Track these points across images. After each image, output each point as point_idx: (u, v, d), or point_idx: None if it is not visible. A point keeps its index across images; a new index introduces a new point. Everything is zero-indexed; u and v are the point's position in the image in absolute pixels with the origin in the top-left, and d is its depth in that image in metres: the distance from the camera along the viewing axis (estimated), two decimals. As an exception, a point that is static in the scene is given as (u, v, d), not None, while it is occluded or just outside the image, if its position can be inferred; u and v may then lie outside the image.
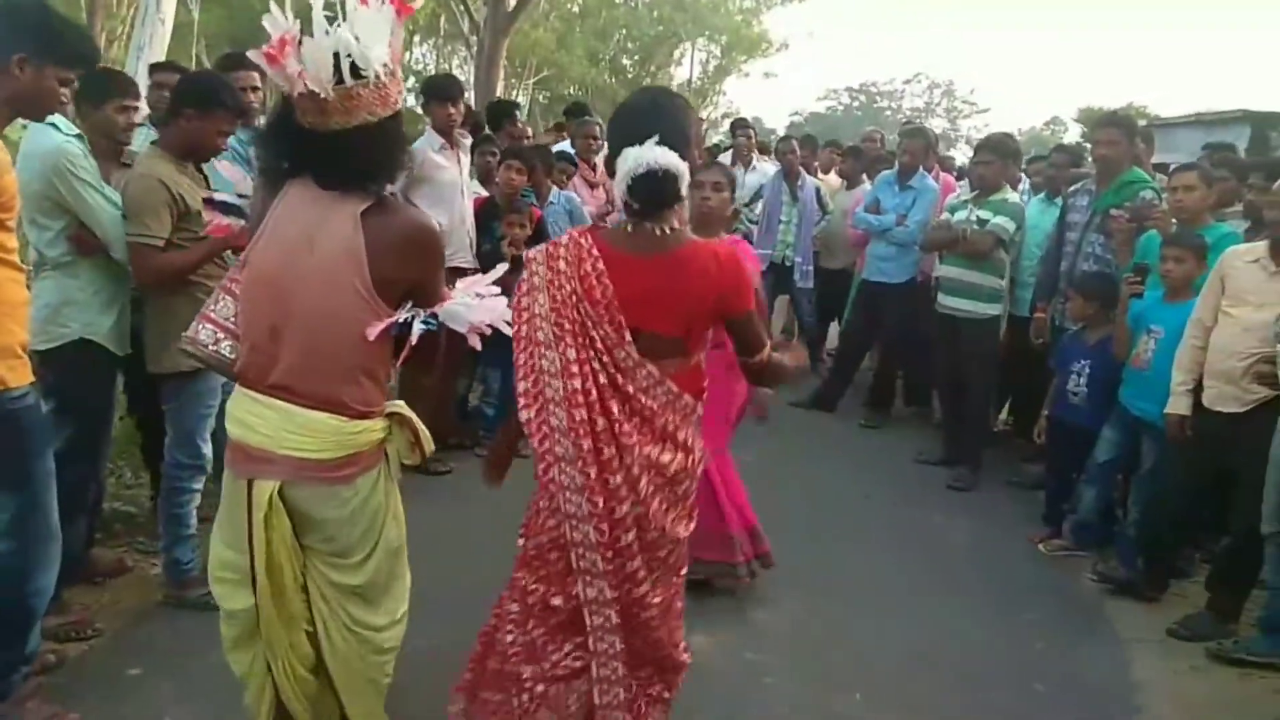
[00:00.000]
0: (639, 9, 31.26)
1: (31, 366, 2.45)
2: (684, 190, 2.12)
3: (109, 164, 3.27)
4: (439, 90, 5.00)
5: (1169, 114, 16.74)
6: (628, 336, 2.10)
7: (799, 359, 2.50)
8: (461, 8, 19.54)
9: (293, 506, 2.13)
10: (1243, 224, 4.38)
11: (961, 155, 11.42)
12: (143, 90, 4.24)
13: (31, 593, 2.51)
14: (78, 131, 3.09)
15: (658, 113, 2.14)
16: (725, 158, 8.33)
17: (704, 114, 29.54)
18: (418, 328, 2.11)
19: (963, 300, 5.22)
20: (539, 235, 5.07)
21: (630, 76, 31.88)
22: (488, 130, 6.39)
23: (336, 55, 1.95)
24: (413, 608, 2.44)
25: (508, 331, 2.23)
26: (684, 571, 2.37)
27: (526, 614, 2.27)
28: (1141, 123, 7.27)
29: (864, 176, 7.33)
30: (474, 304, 2.22)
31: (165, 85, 4.13)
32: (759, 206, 7.42)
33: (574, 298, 2.10)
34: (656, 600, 2.24)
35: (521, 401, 2.15)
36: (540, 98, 29.41)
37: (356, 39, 1.95)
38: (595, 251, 2.13)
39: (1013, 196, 5.38)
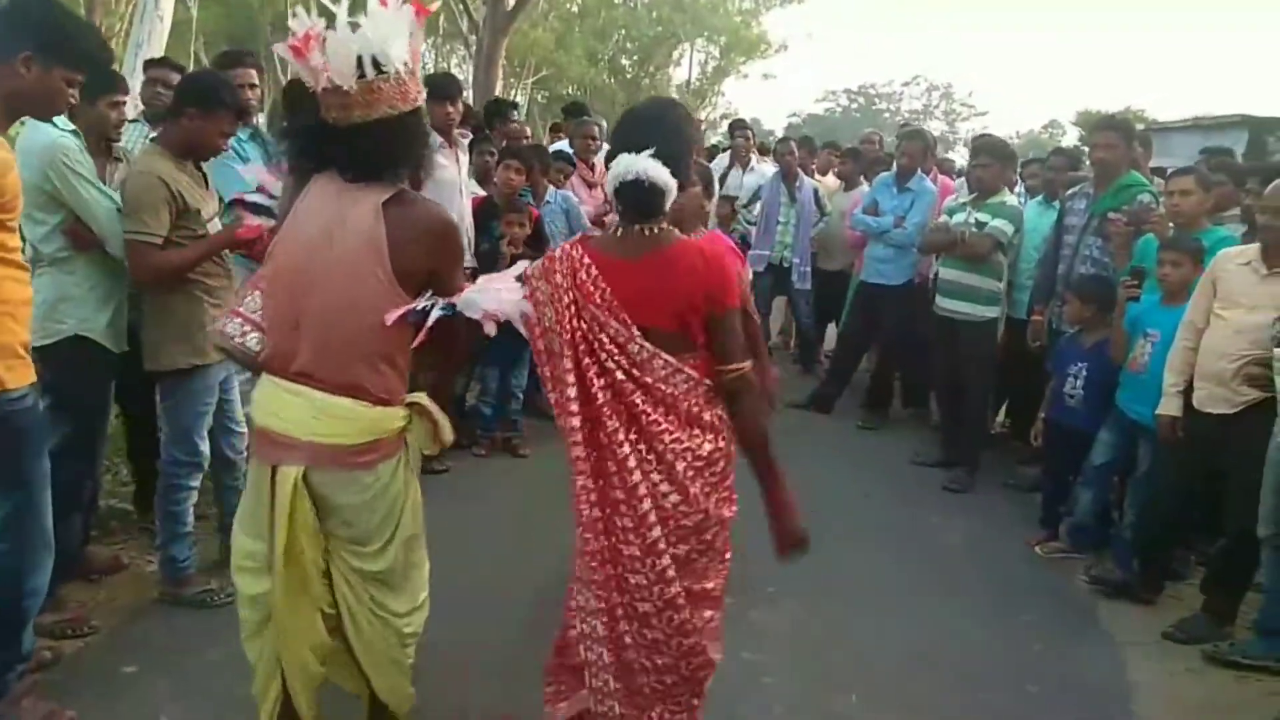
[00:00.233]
0: (638, 9, 31.30)
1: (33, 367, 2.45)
2: (668, 205, 2.16)
3: (101, 159, 3.28)
4: (437, 89, 4.98)
5: (1167, 118, 16.76)
6: (635, 332, 2.15)
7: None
8: (460, 7, 19.54)
9: (315, 492, 2.18)
10: (1240, 228, 4.39)
11: (960, 158, 11.43)
12: (135, 86, 4.24)
13: (26, 593, 2.51)
14: (73, 128, 3.08)
15: (658, 125, 2.20)
16: (723, 158, 8.35)
17: (703, 115, 29.58)
18: (434, 314, 2.16)
19: (961, 303, 5.22)
20: (537, 235, 5.08)
21: (629, 77, 31.94)
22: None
23: (359, 51, 2.03)
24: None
25: (521, 330, 2.28)
26: (729, 557, 2.39)
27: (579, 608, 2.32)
28: (1139, 127, 7.27)
29: (862, 178, 7.34)
30: (490, 291, 2.26)
31: (159, 81, 4.12)
32: (757, 208, 7.43)
33: (574, 307, 2.17)
34: (707, 586, 2.29)
35: (555, 411, 2.24)
36: (539, 97, 29.45)
37: (378, 36, 2.03)
38: (587, 260, 2.19)
39: (1011, 199, 5.39)
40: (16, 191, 2.32)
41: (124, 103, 3.46)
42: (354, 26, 2.05)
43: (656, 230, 2.19)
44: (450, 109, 4.81)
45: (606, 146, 6.84)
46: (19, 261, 2.40)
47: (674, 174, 2.13)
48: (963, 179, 6.96)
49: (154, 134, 3.47)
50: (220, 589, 3.41)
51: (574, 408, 2.16)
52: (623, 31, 31.08)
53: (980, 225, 5.14)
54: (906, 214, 6.04)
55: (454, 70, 25.96)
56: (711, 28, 31.24)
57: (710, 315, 2.19)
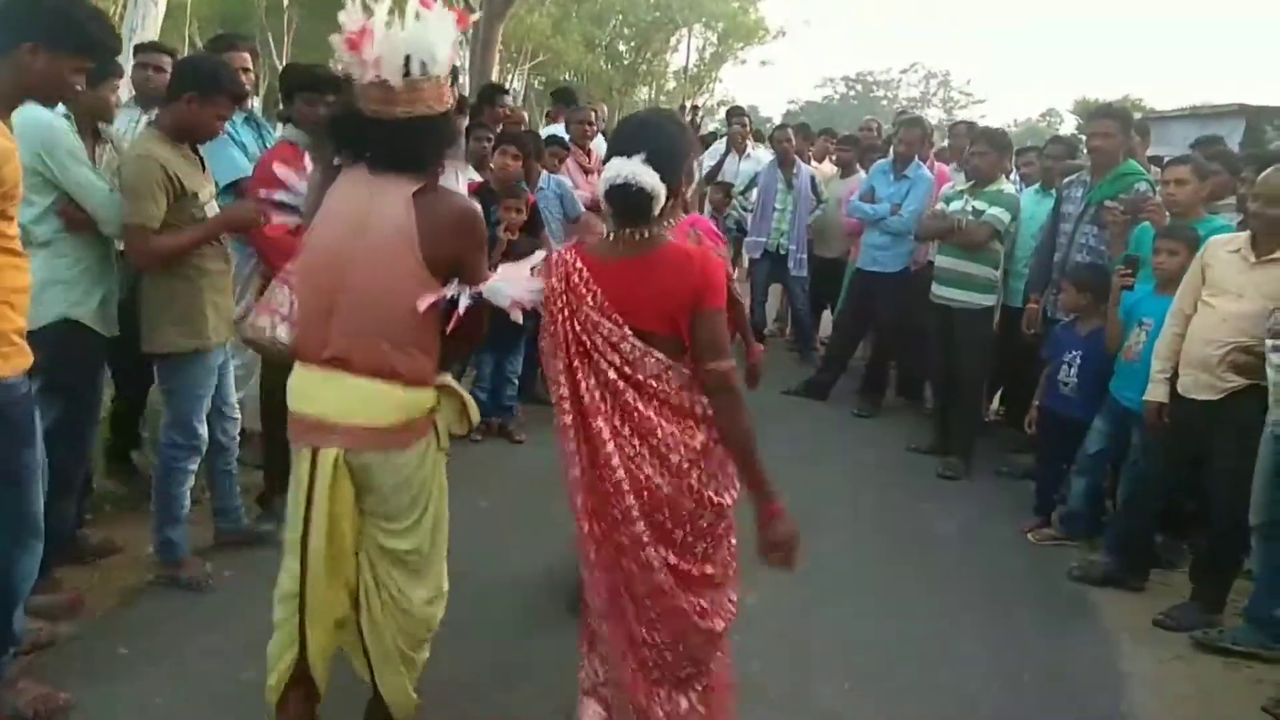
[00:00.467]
0: (636, -5, 31.15)
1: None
2: (657, 207, 2.18)
3: (89, 141, 3.28)
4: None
5: (1165, 107, 16.75)
6: (628, 331, 2.20)
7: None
8: (458, -9, 19.42)
9: (355, 473, 2.27)
10: (1236, 217, 4.39)
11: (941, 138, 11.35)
12: (127, 70, 4.21)
13: (15, 579, 2.51)
14: (64, 111, 3.07)
15: (650, 131, 2.24)
16: (720, 145, 8.34)
17: (700, 101, 29.46)
18: (464, 302, 2.25)
19: (957, 290, 5.23)
20: (533, 221, 5.07)
21: (626, 63, 31.81)
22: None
23: (409, 51, 2.14)
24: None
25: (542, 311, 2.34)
26: (734, 542, 2.43)
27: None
28: (1137, 115, 7.25)
29: (858, 165, 7.32)
30: (516, 280, 2.34)
31: (150, 65, 4.11)
32: (754, 194, 7.42)
33: (567, 310, 2.23)
34: (709, 571, 2.34)
35: (554, 404, 2.29)
36: (536, 83, 29.33)
37: (428, 40, 2.16)
38: (580, 264, 2.24)
39: (1008, 188, 5.39)
40: (17, 180, 2.33)
41: (119, 87, 3.46)
42: (398, 25, 2.14)
43: (647, 234, 2.22)
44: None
45: (601, 138, 6.89)
46: (17, 249, 2.39)
47: (664, 179, 2.16)
48: (952, 165, 6.93)
49: (150, 117, 3.46)
50: (216, 572, 3.42)
51: (566, 405, 2.24)
52: (620, 17, 30.95)
53: (977, 213, 5.14)
54: (903, 201, 6.03)
55: (450, 55, 25.81)
56: (709, 13, 31.11)
57: (694, 313, 2.21)
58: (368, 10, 2.17)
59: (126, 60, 4.42)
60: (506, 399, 5.35)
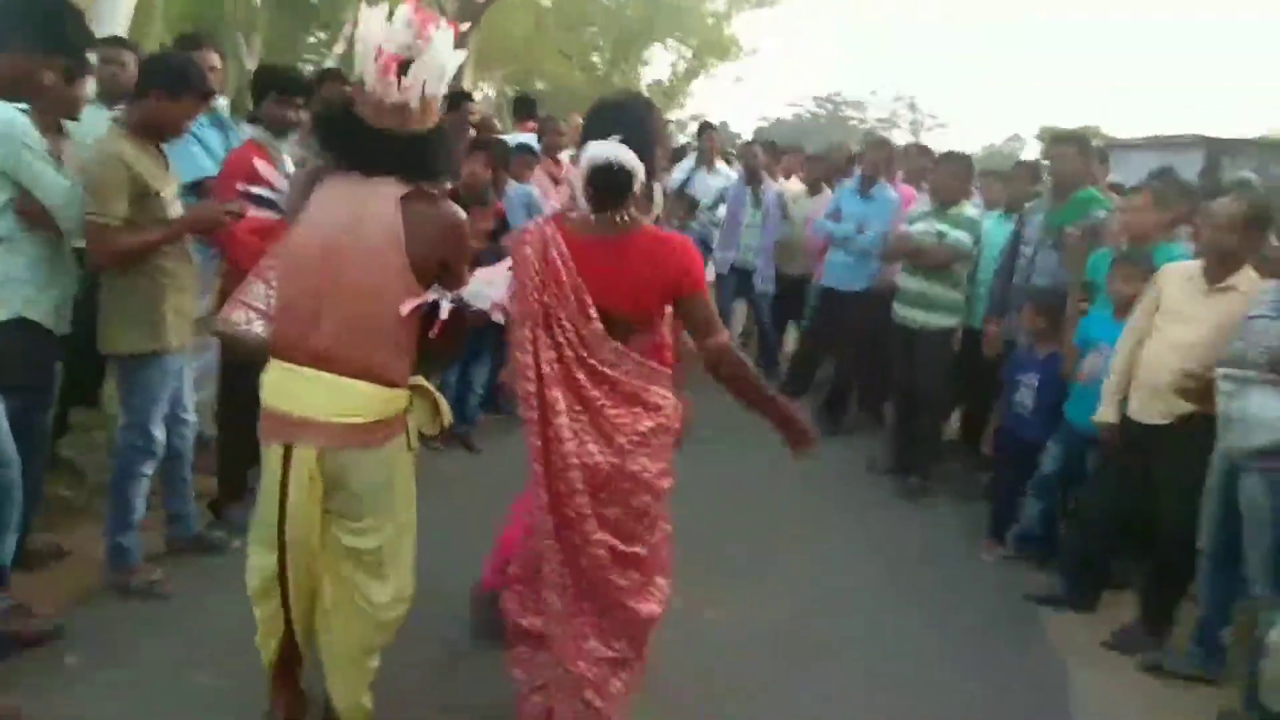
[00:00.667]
0: (611, 6, 31.22)
1: None
2: (638, 185, 2.29)
3: (53, 136, 3.23)
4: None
5: (1126, 136, 17.08)
6: (593, 314, 2.30)
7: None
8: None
9: (329, 470, 2.31)
10: (1192, 246, 4.47)
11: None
12: (91, 67, 4.16)
13: None
14: (23, 106, 3.02)
15: (623, 113, 2.37)
16: (691, 159, 8.37)
17: (673, 115, 29.60)
18: (445, 306, 2.33)
19: (919, 311, 5.28)
20: (501, 229, 5.05)
21: (600, 74, 31.83)
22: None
23: (426, 75, 2.26)
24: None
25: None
26: (665, 528, 2.57)
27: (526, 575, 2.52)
28: (1097, 143, 7.38)
29: (824, 185, 7.37)
30: (495, 282, 2.46)
31: (113, 61, 4.06)
32: (721, 210, 7.45)
33: (538, 279, 2.30)
34: (637, 551, 2.43)
35: (504, 375, 2.40)
36: (509, 91, 29.25)
37: (441, 62, 2.29)
38: (559, 238, 2.32)
39: (971, 211, 5.45)
40: None
41: (89, 84, 3.44)
42: (428, 56, 2.26)
43: (625, 218, 2.33)
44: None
45: (572, 149, 6.89)
46: None
47: (641, 158, 2.26)
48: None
49: (115, 114, 3.42)
50: (167, 579, 3.36)
51: (530, 374, 2.31)
52: (594, 29, 31.00)
53: (940, 235, 5.20)
54: (868, 221, 6.08)
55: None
56: (684, 29, 31.25)
57: (680, 299, 2.37)
58: (378, 29, 2.26)
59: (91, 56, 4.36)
60: (470, 409, 5.32)
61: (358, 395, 2.28)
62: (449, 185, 5.10)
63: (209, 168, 4.00)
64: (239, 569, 3.32)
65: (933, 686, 3.35)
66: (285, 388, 2.32)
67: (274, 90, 3.84)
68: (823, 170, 7.56)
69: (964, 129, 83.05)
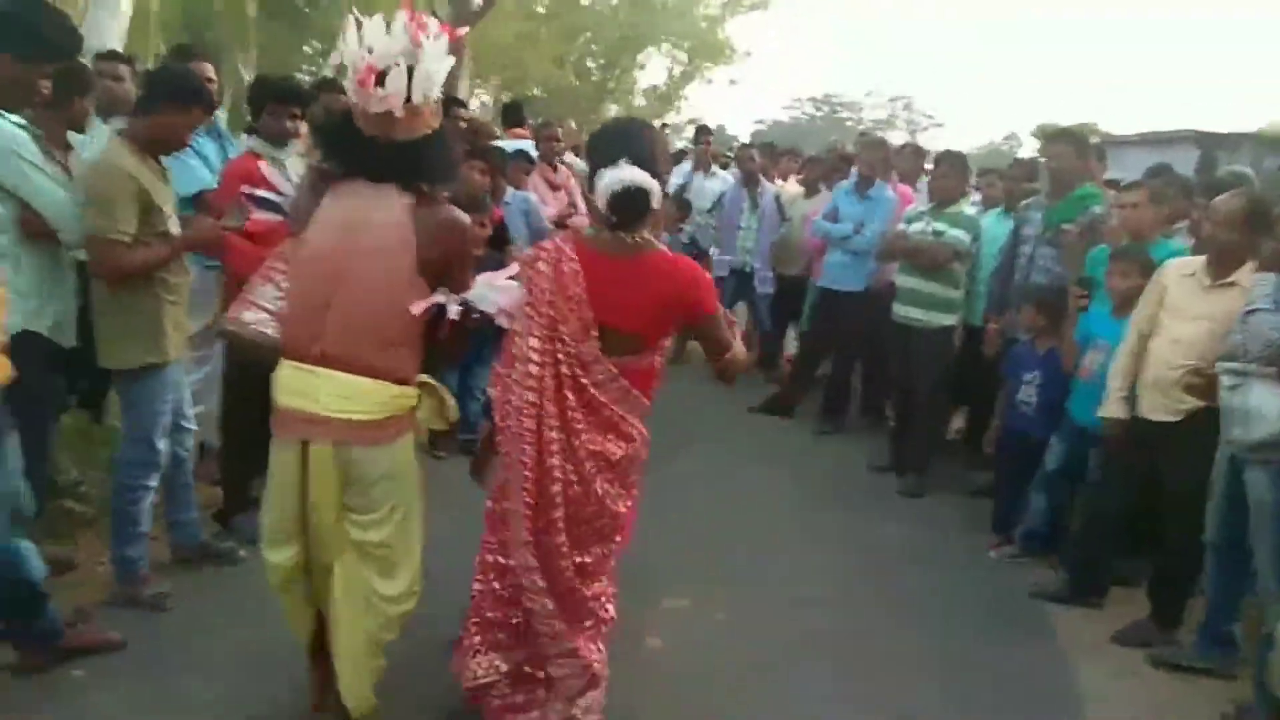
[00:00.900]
0: (604, 11, 31.26)
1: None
2: (655, 203, 2.39)
3: (63, 152, 3.29)
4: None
5: (1122, 132, 17.10)
6: (593, 333, 2.39)
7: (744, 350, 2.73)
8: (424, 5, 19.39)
9: (341, 465, 2.39)
10: (1190, 241, 4.49)
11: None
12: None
13: None
14: (21, 121, 3.04)
15: (626, 136, 2.45)
16: (687, 163, 8.38)
17: (669, 119, 29.61)
18: (453, 309, 2.41)
19: (917, 310, 5.29)
20: (500, 235, 5.06)
21: (595, 80, 31.90)
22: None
23: (410, 78, 2.31)
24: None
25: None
26: (619, 540, 2.67)
27: (489, 567, 2.62)
28: (1093, 139, 7.39)
29: (822, 185, 7.38)
30: (499, 287, 2.51)
31: (109, 75, 4.09)
32: (719, 213, 7.46)
33: (548, 294, 2.39)
34: (586, 560, 2.56)
35: (491, 379, 2.51)
36: (503, 97, 29.29)
37: (429, 70, 2.33)
38: (573, 254, 2.42)
39: (969, 209, 5.47)
40: None
41: (94, 100, 3.53)
42: (402, 66, 2.30)
43: (640, 239, 2.43)
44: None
45: (569, 155, 6.90)
46: None
47: (651, 176, 2.37)
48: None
49: (119, 127, 3.43)
50: (174, 591, 3.36)
51: (532, 384, 2.38)
52: (589, 34, 31.04)
53: (938, 234, 5.21)
54: (866, 221, 6.09)
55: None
56: (677, 32, 31.29)
57: (696, 325, 2.52)
58: (363, 40, 2.32)
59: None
60: (472, 415, 5.32)
61: (368, 393, 2.36)
62: (447, 193, 5.18)
63: (208, 179, 4.01)
64: (245, 581, 3.36)
65: (940, 684, 3.35)
66: (298, 386, 2.39)
67: (271, 101, 3.86)
68: (820, 171, 7.56)
69: (960, 128, 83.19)
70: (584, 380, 2.41)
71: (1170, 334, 3.60)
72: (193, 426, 3.58)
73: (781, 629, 3.62)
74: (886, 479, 5.45)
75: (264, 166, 3.34)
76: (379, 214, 2.37)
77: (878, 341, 5.87)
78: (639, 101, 33.73)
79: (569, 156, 7.30)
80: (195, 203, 3.83)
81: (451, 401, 2.60)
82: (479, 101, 26.27)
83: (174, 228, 3.24)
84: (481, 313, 2.49)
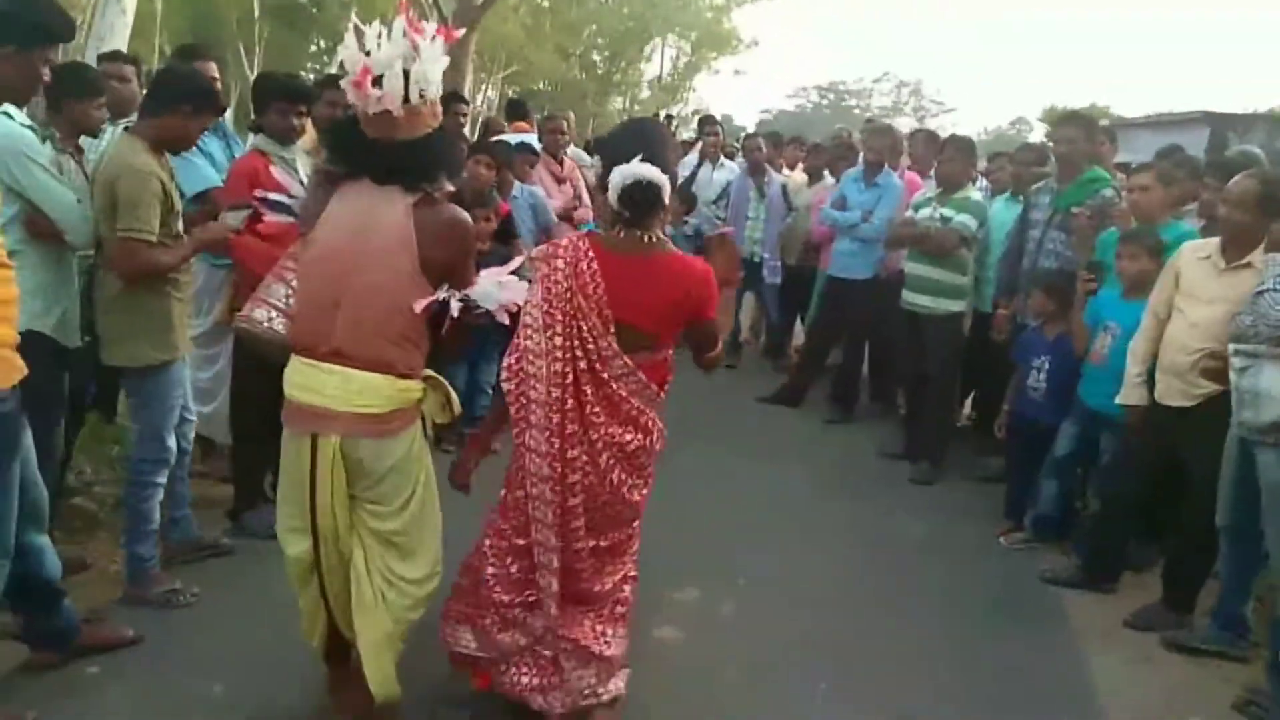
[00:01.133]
0: (609, 4, 31.22)
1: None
2: (666, 198, 2.48)
3: (76, 155, 3.34)
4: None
5: (1131, 114, 16.99)
6: (611, 329, 2.46)
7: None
8: (430, 0, 19.38)
9: (350, 457, 2.45)
10: (1199, 222, 4.45)
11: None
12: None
13: None
14: (29, 123, 3.05)
15: (642, 137, 2.55)
16: (693, 156, 8.35)
17: (674, 110, 29.58)
18: (455, 305, 2.46)
19: (926, 297, 5.27)
20: (506, 230, 5.06)
21: (600, 73, 31.86)
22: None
23: (406, 79, 2.36)
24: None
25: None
26: (636, 524, 2.76)
27: (503, 552, 2.67)
28: (1103, 122, 7.34)
29: (825, 172, 7.35)
30: (502, 283, 2.57)
31: (114, 76, 4.10)
32: (726, 204, 7.44)
33: (568, 293, 2.46)
34: (603, 544, 2.64)
35: (505, 375, 2.53)
36: (510, 92, 29.30)
37: (425, 69, 2.37)
38: (591, 253, 2.49)
39: (975, 195, 5.44)
40: None
41: (104, 104, 3.54)
42: (398, 65, 2.35)
43: (654, 238, 2.52)
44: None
45: (574, 148, 6.89)
46: (3, 260, 2.40)
47: (663, 171, 2.45)
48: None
49: (121, 128, 3.45)
50: (185, 589, 3.38)
51: (556, 380, 2.45)
52: (594, 26, 31.00)
53: (945, 220, 5.18)
54: (874, 209, 6.07)
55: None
56: (682, 23, 31.23)
57: (695, 323, 2.61)
58: (360, 33, 2.38)
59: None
60: (479, 409, 5.32)
61: (374, 387, 2.42)
62: (452, 188, 5.18)
63: (214, 178, 4.02)
64: (257, 578, 3.38)
65: (953, 669, 3.35)
66: (306, 381, 2.45)
67: (277, 99, 3.85)
68: (823, 159, 7.54)
69: (969, 113, 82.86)
70: (604, 374, 2.48)
71: (1187, 318, 3.57)
72: (192, 418, 3.60)
73: (791, 619, 3.62)
74: (896, 467, 5.44)
75: (275, 170, 3.41)
76: (383, 215, 2.43)
77: (886, 329, 5.85)
78: (644, 93, 33.71)
79: (573, 149, 7.30)
80: (201, 201, 3.84)
81: (455, 396, 2.64)
82: (484, 97, 26.27)
83: (179, 227, 3.26)
84: (484, 309, 2.54)
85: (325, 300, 2.44)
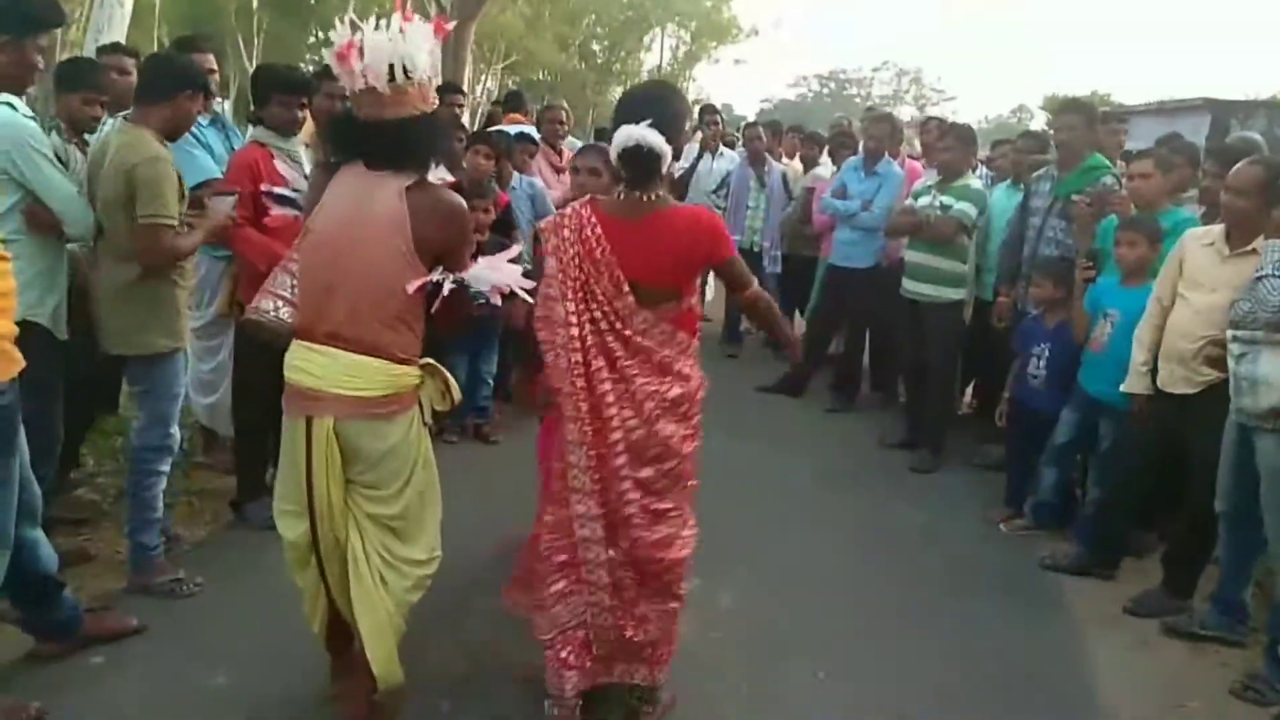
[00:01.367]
0: (608, -7, 31.11)
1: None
2: (664, 166, 2.51)
3: (79, 148, 3.40)
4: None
5: (1132, 102, 16.93)
6: (625, 288, 2.50)
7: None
8: (429, -7, 19.33)
9: (344, 440, 2.46)
10: (1199, 209, 4.45)
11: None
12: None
13: None
14: (31, 114, 3.06)
15: (654, 100, 2.57)
16: (693, 147, 8.33)
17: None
18: (447, 286, 2.49)
19: (926, 285, 5.27)
20: (506, 220, 5.06)
21: (600, 62, 31.77)
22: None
23: (391, 59, 2.38)
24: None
25: (523, 295, 2.63)
26: (692, 484, 2.75)
27: (560, 521, 2.67)
28: (1104, 110, 7.31)
29: (830, 159, 7.34)
30: (496, 266, 2.60)
31: (114, 68, 4.10)
32: (726, 193, 7.43)
33: (577, 259, 2.50)
34: (665, 507, 2.63)
35: (543, 347, 2.60)
36: (509, 83, 29.23)
37: (408, 47, 2.40)
38: (594, 219, 2.53)
39: (975, 182, 5.43)
40: None
41: (99, 100, 3.58)
42: (381, 36, 2.40)
43: (655, 197, 2.54)
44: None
45: (573, 139, 6.88)
46: (1, 252, 2.40)
47: (668, 141, 2.47)
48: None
49: (124, 116, 3.46)
50: (189, 579, 3.40)
51: (576, 345, 2.49)
52: (593, 16, 30.91)
53: (944, 208, 5.18)
54: (874, 198, 6.06)
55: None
56: (682, 12, 31.14)
57: (717, 267, 2.66)
58: (355, 28, 2.43)
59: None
60: (481, 399, 5.34)
61: (368, 370, 2.44)
62: (453, 179, 5.18)
63: (213, 169, 4.01)
64: (260, 568, 3.39)
65: (953, 655, 3.37)
66: (302, 364, 2.48)
67: (278, 91, 3.83)
68: (817, 148, 7.55)
69: (969, 101, 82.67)
70: (626, 332, 2.52)
71: (1190, 305, 3.56)
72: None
73: (791, 607, 3.63)
74: (897, 455, 5.45)
75: (278, 162, 3.46)
76: (377, 199, 2.44)
77: (887, 318, 5.85)
78: (645, 83, 33.53)
79: (571, 139, 7.28)
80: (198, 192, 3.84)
81: (455, 384, 2.65)
82: (484, 87, 26.20)
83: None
84: (477, 291, 2.57)
85: (322, 284, 2.47)
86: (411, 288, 2.44)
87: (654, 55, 33.64)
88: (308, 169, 3.68)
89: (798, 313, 7.69)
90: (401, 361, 2.49)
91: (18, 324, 2.89)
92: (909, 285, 5.36)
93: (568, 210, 2.61)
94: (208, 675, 2.91)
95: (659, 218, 2.55)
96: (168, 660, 2.99)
